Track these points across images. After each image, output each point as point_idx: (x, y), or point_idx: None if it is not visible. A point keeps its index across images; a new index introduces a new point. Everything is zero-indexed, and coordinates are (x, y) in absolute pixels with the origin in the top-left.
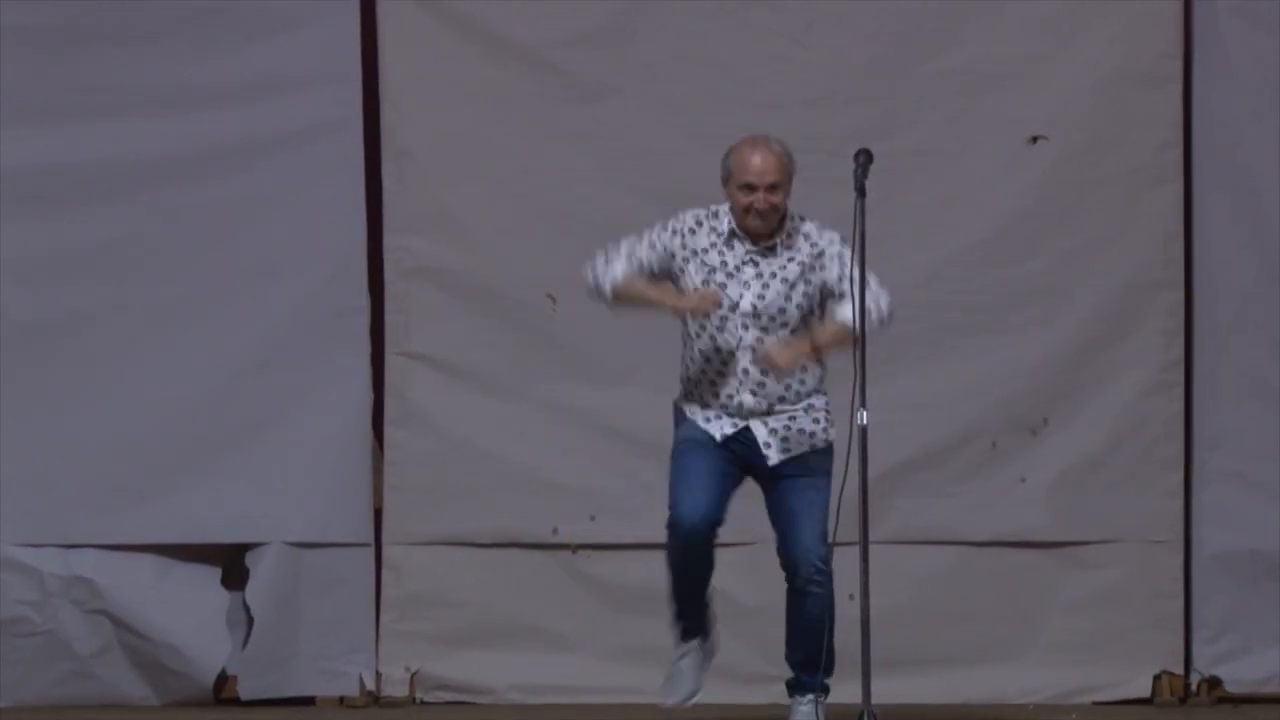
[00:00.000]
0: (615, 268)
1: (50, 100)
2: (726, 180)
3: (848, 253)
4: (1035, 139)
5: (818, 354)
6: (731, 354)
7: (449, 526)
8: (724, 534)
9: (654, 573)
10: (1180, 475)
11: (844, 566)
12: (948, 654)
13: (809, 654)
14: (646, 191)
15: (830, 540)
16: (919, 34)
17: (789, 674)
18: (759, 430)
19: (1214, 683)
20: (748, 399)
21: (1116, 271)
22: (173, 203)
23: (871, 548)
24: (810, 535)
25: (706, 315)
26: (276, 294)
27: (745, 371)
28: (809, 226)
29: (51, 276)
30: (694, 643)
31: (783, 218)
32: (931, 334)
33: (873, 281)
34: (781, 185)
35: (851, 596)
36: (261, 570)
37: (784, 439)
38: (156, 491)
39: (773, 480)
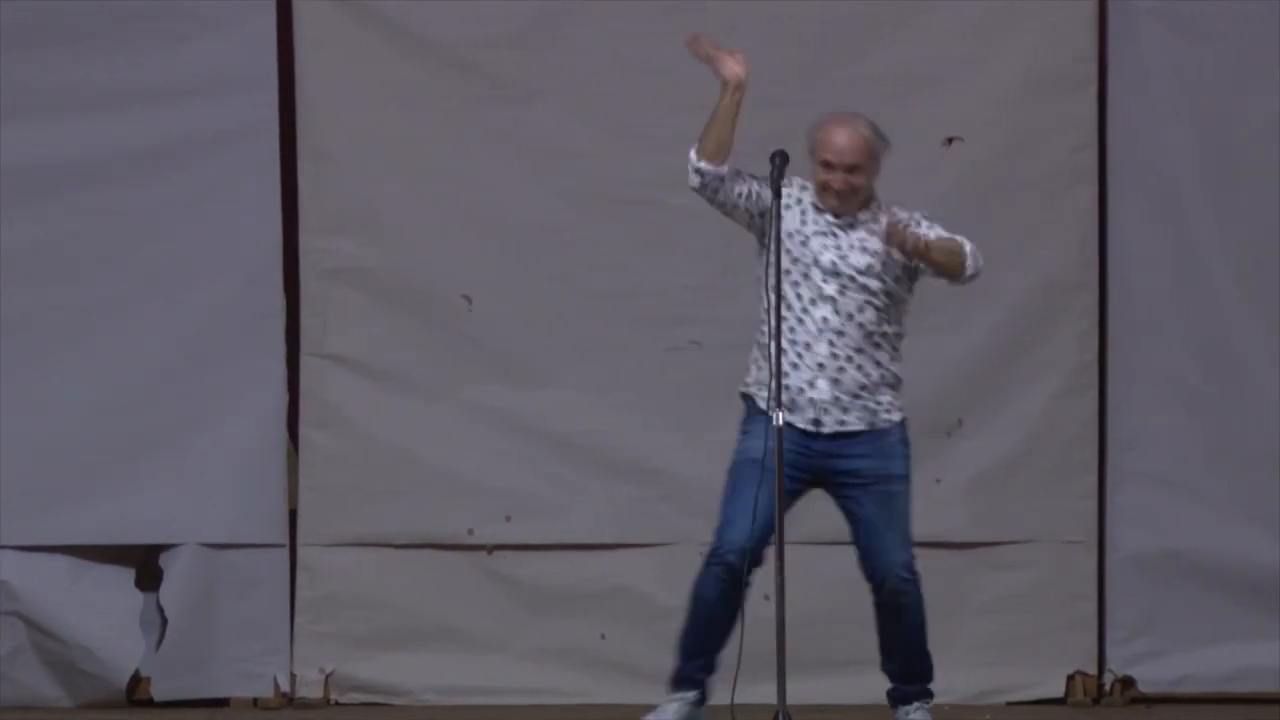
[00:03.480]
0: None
1: None
2: (810, 152)
3: (927, 223)
4: (951, 140)
5: (924, 253)
6: (810, 306)
7: (365, 527)
8: (645, 534)
9: (571, 574)
10: (1095, 476)
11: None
12: (863, 655)
13: (908, 664)
14: (567, 193)
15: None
16: (839, 38)
17: (889, 685)
18: (823, 393)
19: (1128, 683)
20: (823, 350)
21: (1032, 273)
22: (88, 206)
23: (787, 549)
24: (894, 545)
25: (741, 79)
26: (193, 296)
27: (825, 320)
28: (897, 210)
29: None
30: (692, 695)
31: (867, 200)
32: None
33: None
34: (863, 167)
35: (767, 597)
36: (176, 571)
37: (845, 408)
38: (71, 493)
39: (846, 488)
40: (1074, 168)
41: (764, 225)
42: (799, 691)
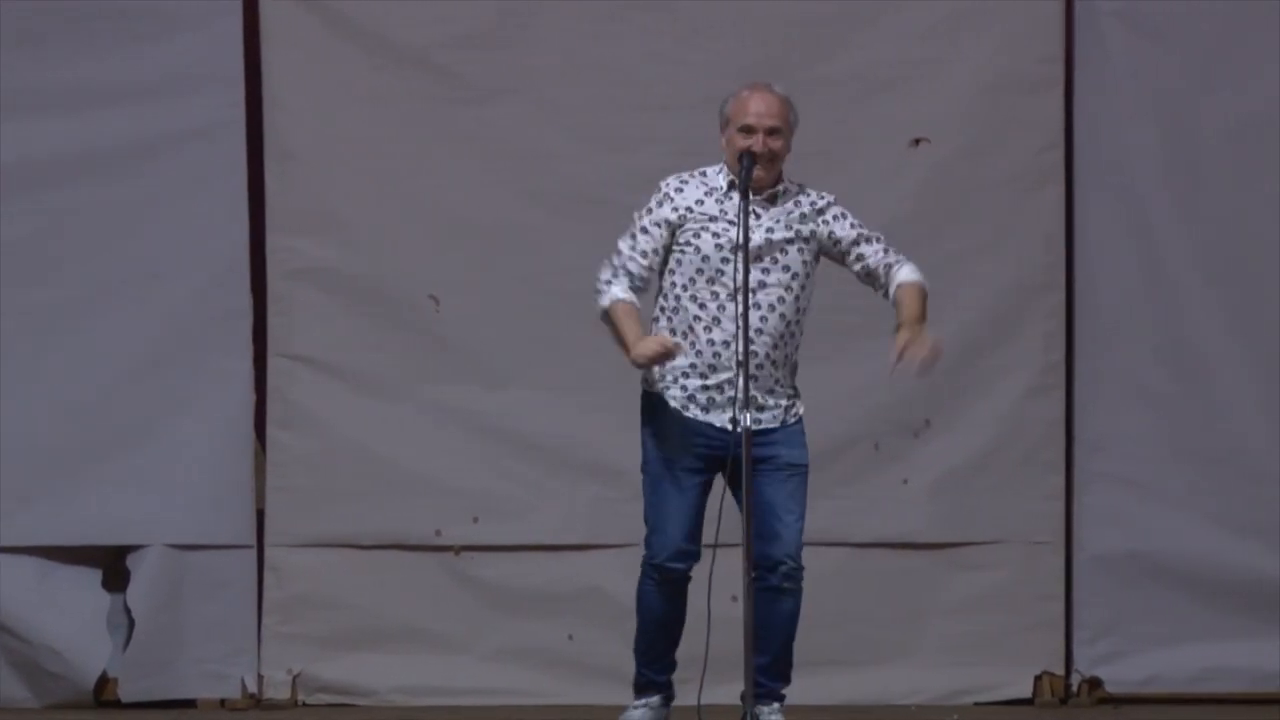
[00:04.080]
0: (614, 290)
1: None
2: (725, 126)
3: (846, 213)
4: (918, 141)
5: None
6: (729, 301)
7: (332, 528)
8: (611, 535)
9: (538, 574)
10: (1062, 477)
11: (727, 568)
12: (830, 655)
13: (775, 658)
14: (532, 193)
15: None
16: (804, 38)
17: (748, 684)
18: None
19: (1095, 683)
20: (741, 348)
21: (998, 274)
22: (55, 205)
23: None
24: (793, 531)
25: (661, 363)
26: (159, 296)
27: (741, 316)
28: (807, 188)
29: None
30: (655, 699)
31: (780, 174)
32: (814, 337)
33: (898, 256)
34: (782, 132)
35: (734, 598)
36: (142, 572)
37: (760, 408)
38: (38, 493)
39: (754, 474)
40: (1040, 169)
41: (671, 243)
42: (724, 693)
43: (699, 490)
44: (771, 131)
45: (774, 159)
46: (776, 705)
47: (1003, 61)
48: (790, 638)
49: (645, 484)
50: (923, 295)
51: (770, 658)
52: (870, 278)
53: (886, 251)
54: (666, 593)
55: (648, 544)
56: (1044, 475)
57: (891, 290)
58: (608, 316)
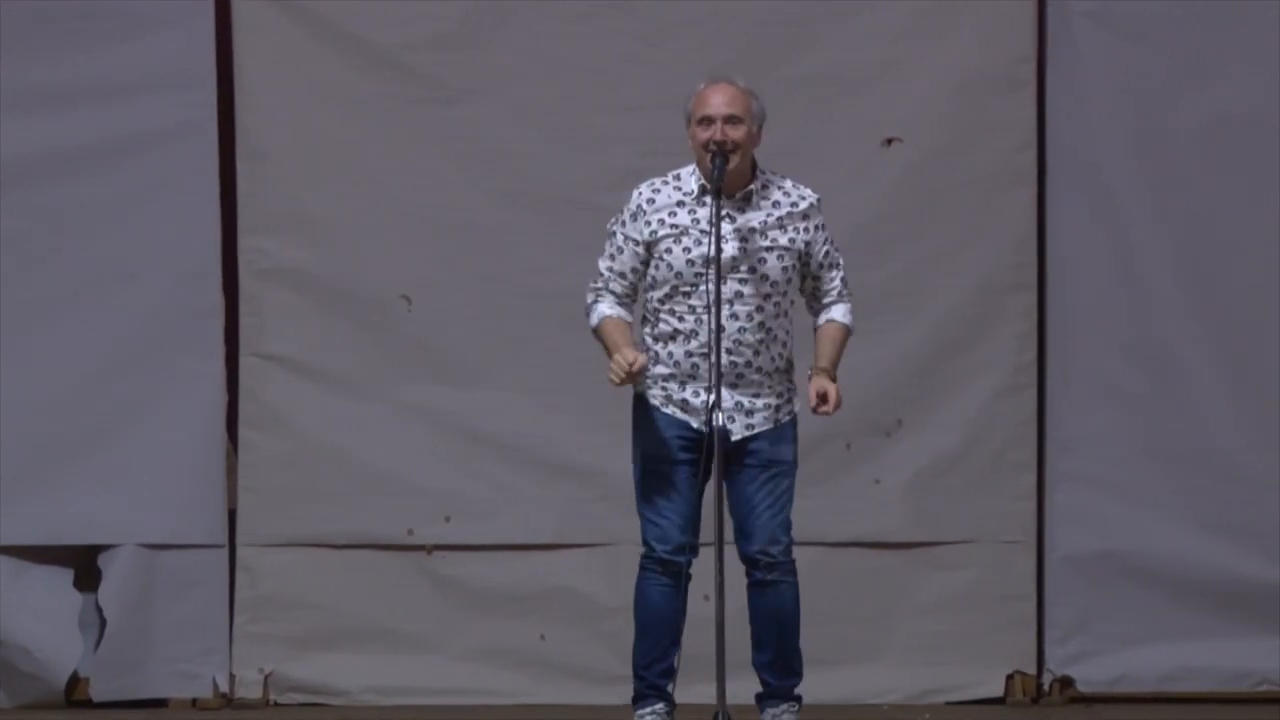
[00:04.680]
0: (601, 308)
1: None
2: (688, 123)
3: (824, 224)
4: (890, 141)
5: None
6: (705, 313)
7: (304, 528)
8: (583, 534)
9: (510, 574)
10: (1033, 477)
11: (700, 567)
12: (803, 655)
13: (777, 653)
14: (503, 193)
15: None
16: (774, 38)
17: (759, 686)
18: (725, 400)
19: (1066, 683)
20: (722, 357)
21: (971, 274)
22: (27, 204)
23: (727, 548)
24: (775, 526)
25: (634, 379)
26: (131, 296)
27: (720, 328)
28: (787, 182)
29: None
30: (659, 706)
31: (754, 169)
32: None
33: (844, 292)
34: (743, 120)
35: (706, 597)
36: (114, 572)
37: (749, 412)
38: (10, 493)
39: (736, 469)
40: (1013, 168)
41: (649, 255)
42: (740, 691)
43: (689, 483)
44: (730, 120)
45: (736, 148)
46: (787, 706)
47: (975, 61)
48: (788, 630)
49: (636, 481)
50: (844, 341)
51: (771, 654)
52: (812, 299)
53: (843, 283)
54: (666, 587)
55: (644, 539)
56: (1015, 475)
57: (821, 319)
58: (597, 334)
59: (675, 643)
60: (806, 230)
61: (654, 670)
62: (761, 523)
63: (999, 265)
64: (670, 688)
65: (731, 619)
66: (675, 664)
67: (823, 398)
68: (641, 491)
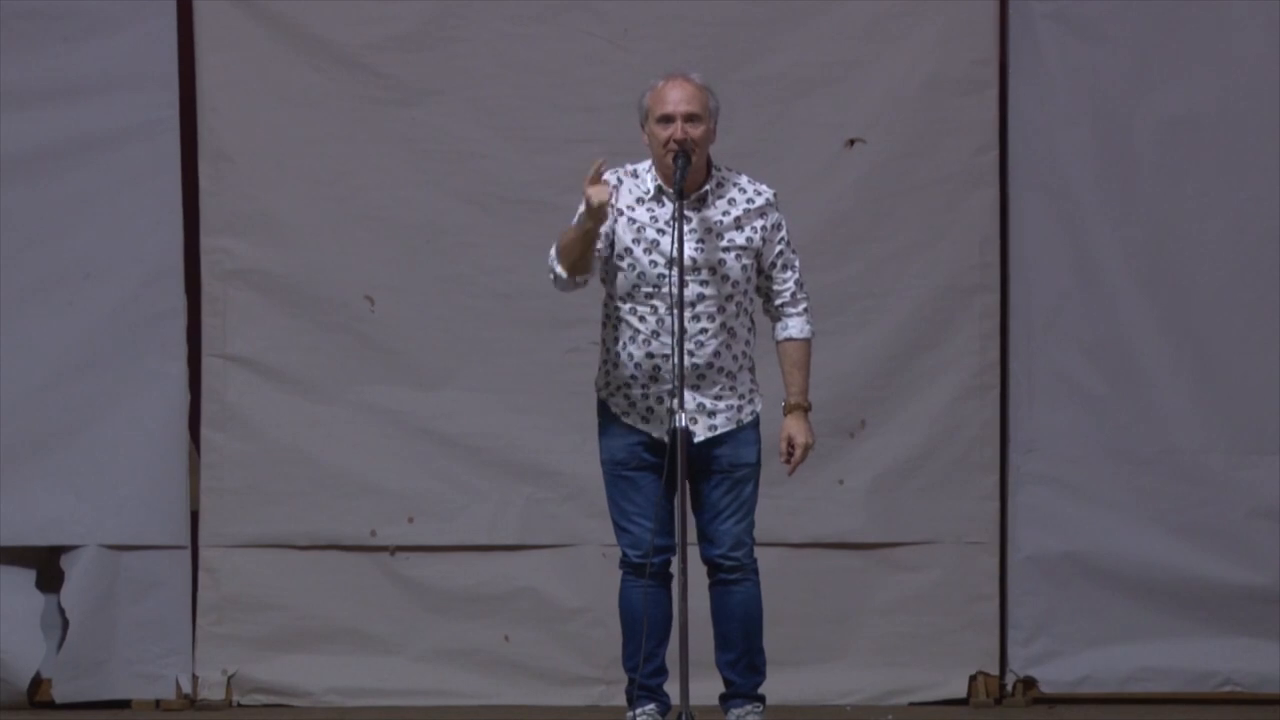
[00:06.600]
0: (554, 248)
1: None
2: (644, 121)
3: (785, 223)
4: (852, 142)
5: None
6: (667, 314)
7: (266, 529)
8: (547, 535)
9: (473, 575)
10: (996, 478)
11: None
12: (766, 655)
13: (740, 652)
14: (464, 194)
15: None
16: (736, 38)
17: (722, 687)
18: (687, 403)
19: (1029, 683)
20: (685, 359)
21: (933, 275)
22: None
23: (690, 549)
24: (738, 529)
25: (605, 204)
26: (93, 296)
27: (683, 330)
28: (742, 179)
29: None
30: (651, 707)
31: (709, 167)
32: None
33: (802, 294)
34: (703, 118)
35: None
36: (77, 573)
37: (711, 413)
38: None
39: (700, 474)
40: (975, 169)
41: (610, 252)
42: (703, 691)
43: (655, 487)
44: (690, 118)
45: (696, 146)
46: (751, 707)
47: (937, 63)
48: (750, 628)
49: (606, 486)
50: (808, 360)
51: (736, 653)
52: (766, 300)
53: (797, 284)
54: (646, 589)
55: (620, 544)
56: (979, 475)
57: (779, 333)
58: (560, 253)
59: (661, 642)
60: (764, 228)
61: (643, 671)
62: (725, 529)
63: (961, 266)
64: (661, 686)
65: (692, 621)
66: (665, 665)
67: (791, 450)
68: (611, 499)
